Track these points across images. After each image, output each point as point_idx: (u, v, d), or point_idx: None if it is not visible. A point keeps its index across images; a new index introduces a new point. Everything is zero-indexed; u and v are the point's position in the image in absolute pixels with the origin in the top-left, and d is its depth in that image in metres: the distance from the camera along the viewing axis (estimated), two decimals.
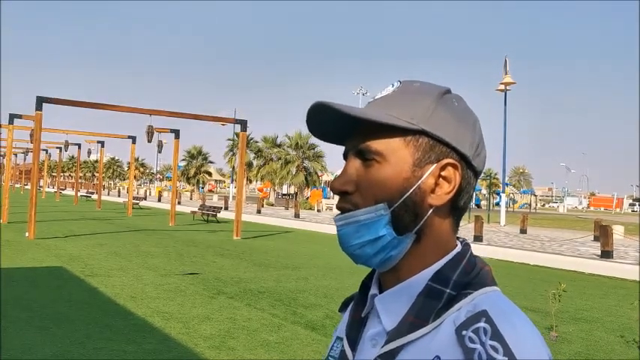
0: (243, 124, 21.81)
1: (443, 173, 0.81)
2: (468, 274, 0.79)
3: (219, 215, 27.77)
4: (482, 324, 0.71)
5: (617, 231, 19.81)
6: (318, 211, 39.48)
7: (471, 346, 0.70)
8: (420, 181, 0.80)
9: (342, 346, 0.89)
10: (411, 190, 0.80)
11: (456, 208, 0.84)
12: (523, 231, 24.76)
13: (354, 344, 0.87)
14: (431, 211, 0.81)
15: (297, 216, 29.66)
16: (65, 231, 18.78)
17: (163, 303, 8.06)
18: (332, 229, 24.06)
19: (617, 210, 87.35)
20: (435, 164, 0.81)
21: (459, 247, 0.84)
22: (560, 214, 66.25)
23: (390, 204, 0.79)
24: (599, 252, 15.47)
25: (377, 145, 0.81)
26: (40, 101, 17.52)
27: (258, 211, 33.66)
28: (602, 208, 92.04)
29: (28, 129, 28.87)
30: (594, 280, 12.66)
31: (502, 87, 30.34)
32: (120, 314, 7.32)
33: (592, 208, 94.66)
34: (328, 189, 54.78)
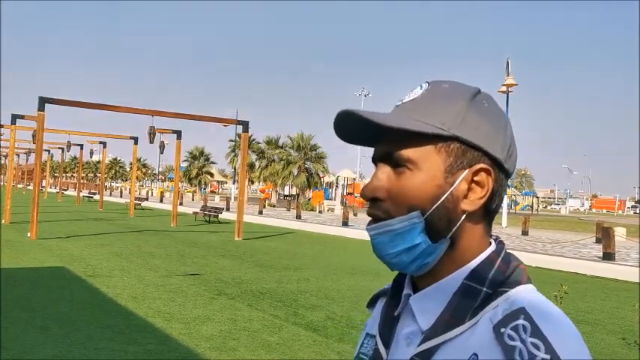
0: (245, 125, 21.83)
1: (476, 178, 0.80)
2: (504, 273, 0.79)
3: (220, 216, 27.79)
4: (521, 321, 0.71)
5: (619, 233, 19.78)
6: (320, 212, 39.46)
7: (511, 343, 0.70)
8: (452, 188, 0.79)
9: (375, 343, 0.88)
10: (444, 197, 0.79)
11: (488, 211, 0.83)
12: (525, 233, 24.75)
13: (387, 342, 0.86)
14: (464, 216, 0.80)
15: (298, 217, 29.66)
16: (67, 231, 18.80)
17: (164, 303, 8.07)
18: (333, 231, 24.07)
19: (619, 212, 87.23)
20: (468, 169, 0.80)
21: (493, 246, 0.83)
22: (562, 215, 66.18)
23: (423, 212, 0.79)
24: (600, 254, 15.44)
25: (408, 152, 0.80)
26: (43, 102, 17.55)
27: (260, 212, 33.68)
28: (604, 210, 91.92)
29: (30, 129, 28.92)
30: (596, 282, 12.64)
31: (504, 89, 30.31)
32: (121, 315, 7.33)
33: (594, 210, 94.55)
34: (330, 190, 54.82)
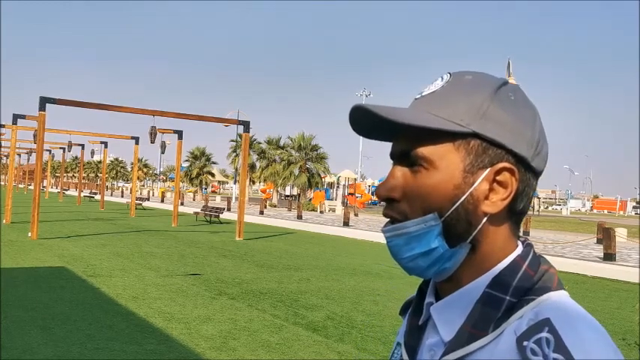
0: (246, 125, 21.84)
1: (498, 178, 0.75)
2: (530, 279, 0.74)
3: (221, 216, 27.79)
4: (544, 334, 0.66)
5: (620, 234, 19.74)
6: (321, 212, 39.45)
7: (533, 358, 0.66)
8: (472, 188, 0.74)
9: (402, 353, 0.85)
10: (463, 198, 0.74)
11: (514, 213, 0.78)
12: (526, 233, 24.67)
13: (412, 352, 0.82)
14: (485, 218, 0.75)
15: (299, 217, 29.65)
16: (68, 231, 18.82)
17: (165, 303, 8.07)
18: (334, 231, 24.05)
19: (621, 213, 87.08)
20: (489, 168, 0.74)
21: (519, 249, 0.78)
22: (563, 216, 66.11)
23: (440, 214, 0.74)
24: (602, 254, 15.44)
25: (424, 150, 0.75)
26: (44, 102, 17.56)
27: (261, 212, 33.67)
28: (606, 211, 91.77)
29: (31, 129, 28.95)
30: (597, 283, 12.63)
31: None
32: (121, 314, 7.33)
33: (595, 211, 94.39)
34: (331, 190, 54.80)
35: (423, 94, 0.79)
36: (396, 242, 0.77)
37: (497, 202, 0.75)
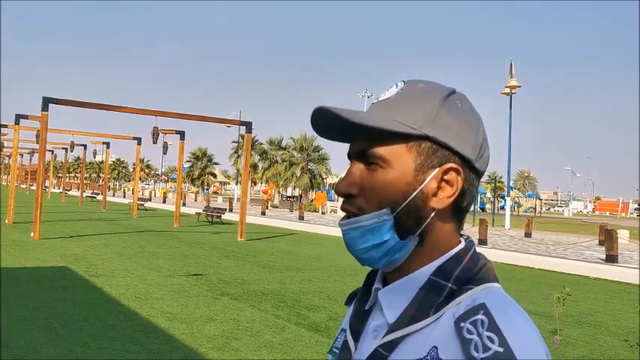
0: (248, 125, 21.86)
1: (445, 177, 0.82)
2: (470, 270, 0.81)
3: (223, 217, 27.82)
4: (480, 316, 0.73)
5: (622, 235, 19.71)
6: (323, 213, 39.47)
7: (468, 337, 0.72)
8: (422, 186, 0.81)
9: (346, 336, 0.91)
10: (414, 195, 0.81)
11: (458, 209, 0.85)
12: (528, 235, 24.69)
13: (357, 335, 0.89)
14: (433, 214, 0.82)
15: (301, 218, 29.68)
16: (70, 231, 18.85)
17: (167, 303, 8.09)
18: (336, 232, 24.05)
19: (623, 214, 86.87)
20: (438, 168, 0.82)
21: (462, 244, 0.85)
22: (565, 218, 66.02)
23: (393, 209, 0.81)
24: (604, 256, 15.43)
25: (380, 150, 0.82)
26: (46, 102, 17.60)
27: (263, 213, 33.70)
28: (608, 213, 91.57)
29: (34, 130, 29.00)
30: (599, 285, 12.62)
31: (507, 90, 30.38)
32: (124, 314, 7.34)
33: (597, 213, 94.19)
34: (332, 191, 54.80)
35: (380, 99, 0.87)
36: (351, 235, 0.83)
37: (444, 198, 0.82)
